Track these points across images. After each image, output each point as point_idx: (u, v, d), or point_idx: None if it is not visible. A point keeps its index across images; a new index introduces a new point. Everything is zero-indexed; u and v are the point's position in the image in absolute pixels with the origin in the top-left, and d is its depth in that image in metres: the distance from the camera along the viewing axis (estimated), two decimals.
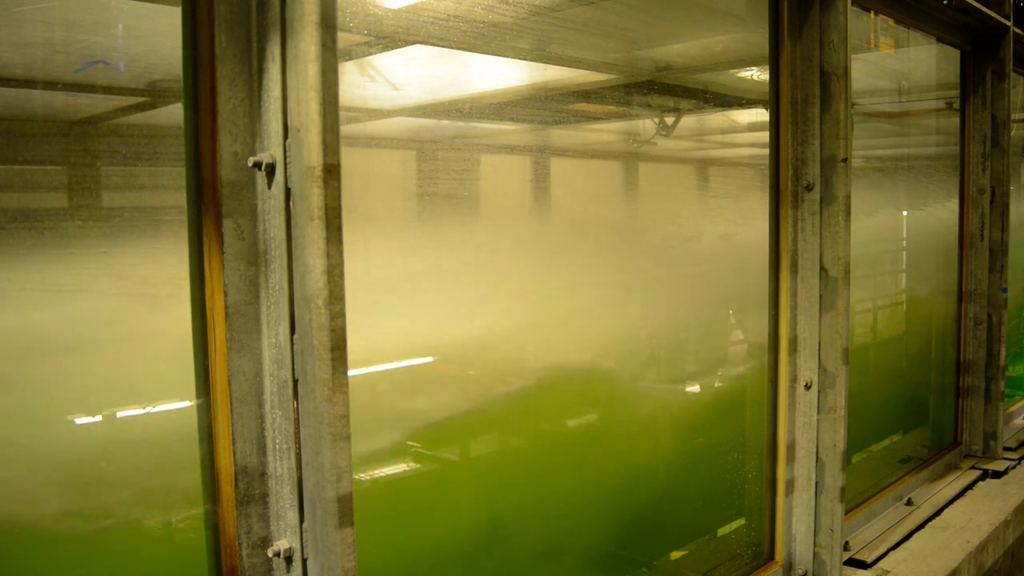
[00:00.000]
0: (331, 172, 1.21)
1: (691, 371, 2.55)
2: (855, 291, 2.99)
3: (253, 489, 1.37)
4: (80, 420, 1.31)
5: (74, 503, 1.31)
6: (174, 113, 1.33)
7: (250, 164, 1.31)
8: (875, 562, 2.75)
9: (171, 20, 1.30)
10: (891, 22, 3.16)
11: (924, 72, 3.60)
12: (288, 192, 1.28)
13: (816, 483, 2.51)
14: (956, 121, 3.78)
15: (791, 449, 2.55)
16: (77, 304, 1.29)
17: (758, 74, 2.55)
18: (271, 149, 1.30)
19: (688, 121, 2.45)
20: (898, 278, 3.67)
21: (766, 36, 2.47)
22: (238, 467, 1.35)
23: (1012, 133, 3.72)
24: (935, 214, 3.73)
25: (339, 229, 1.22)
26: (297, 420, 1.32)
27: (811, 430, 2.51)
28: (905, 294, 3.67)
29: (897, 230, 3.59)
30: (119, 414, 1.35)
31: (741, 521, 2.61)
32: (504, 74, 1.98)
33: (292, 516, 1.34)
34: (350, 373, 1.25)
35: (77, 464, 1.31)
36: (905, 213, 3.57)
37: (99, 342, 1.33)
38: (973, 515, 3.18)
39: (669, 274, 2.41)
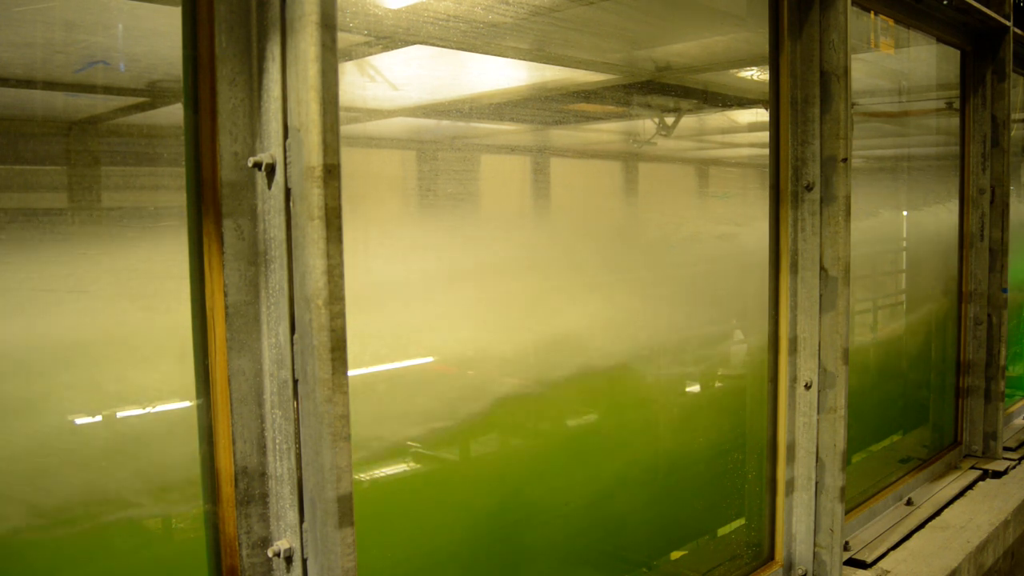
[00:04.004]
0: (331, 172, 1.21)
1: (691, 371, 2.54)
2: (855, 291, 2.99)
3: (253, 489, 1.37)
4: (80, 420, 1.31)
5: (73, 503, 1.31)
6: (174, 113, 1.33)
7: (250, 164, 1.31)
8: (875, 562, 2.75)
9: (171, 20, 1.30)
10: (891, 22, 3.16)
11: (924, 72, 3.60)
12: (288, 192, 1.28)
13: (816, 483, 2.51)
14: (956, 121, 3.78)
15: (791, 449, 2.55)
16: (77, 304, 1.29)
17: (758, 74, 2.55)
18: (271, 149, 1.30)
19: (688, 121, 2.45)
20: (898, 278, 3.67)
21: (766, 36, 2.47)
22: (238, 467, 1.35)
23: (1012, 133, 3.72)
24: (935, 214, 3.73)
25: (339, 229, 1.22)
26: (297, 420, 1.32)
27: (811, 430, 2.51)
28: (905, 294, 3.67)
29: (897, 230, 3.59)
30: (119, 414, 1.35)
31: (741, 521, 2.61)
32: (504, 74, 1.98)
33: (292, 516, 1.34)
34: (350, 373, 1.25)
35: (77, 464, 1.31)
36: (905, 213, 3.57)
37: (99, 342, 1.33)
38: (973, 515, 3.18)
39: (668, 274, 2.41)
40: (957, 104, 3.77)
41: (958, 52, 3.73)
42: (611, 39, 2.18)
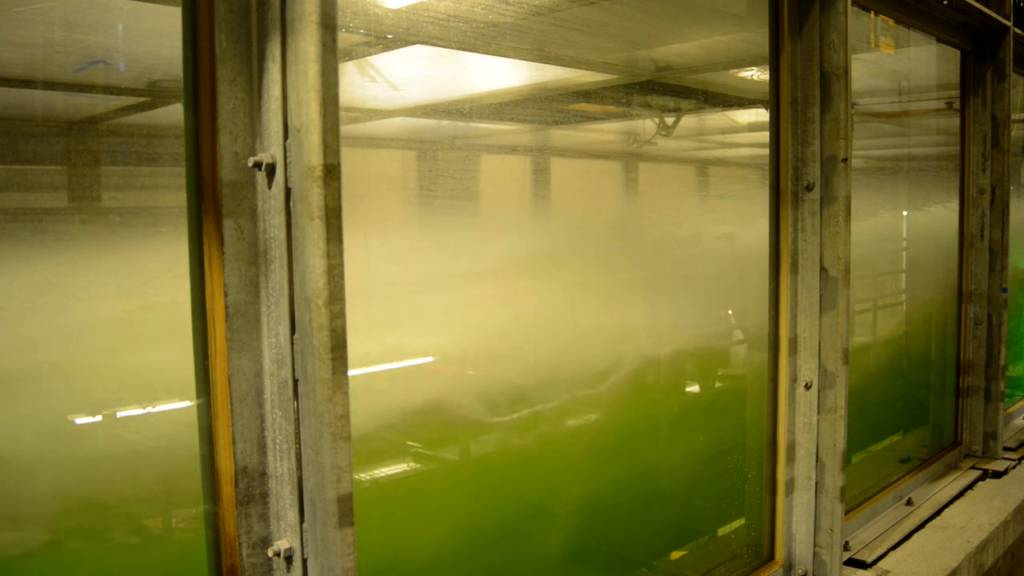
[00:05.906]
0: (331, 172, 1.21)
1: (690, 370, 2.54)
2: (855, 291, 2.99)
3: (253, 489, 1.37)
4: (80, 420, 1.31)
5: (74, 503, 1.31)
6: (174, 113, 1.33)
7: (250, 164, 1.31)
8: (875, 562, 2.75)
9: (171, 20, 1.30)
10: (891, 22, 3.16)
11: (924, 72, 3.60)
12: (288, 192, 1.28)
13: (816, 483, 2.51)
14: (956, 121, 3.78)
15: (791, 449, 2.55)
16: (77, 304, 1.29)
17: (758, 74, 2.55)
18: (271, 149, 1.30)
19: (688, 121, 2.45)
20: (898, 278, 3.67)
21: (766, 36, 2.47)
22: (238, 467, 1.35)
23: (1012, 133, 3.72)
24: (935, 214, 3.73)
25: (339, 229, 1.22)
26: (297, 420, 1.32)
27: (811, 430, 2.51)
28: (905, 294, 3.67)
29: (897, 230, 3.59)
30: (119, 414, 1.35)
31: (741, 521, 2.61)
32: (504, 74, 1.98)
33: (292, 516, 1.34)
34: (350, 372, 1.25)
35: (77, 464, 1.31)
36: (905, 213, 3.58)
37: (99, 342, 1.33)
38: (973, 515, 3.18)
39: (667, 273, 2.41)
40: (957, 104, 3.77)
41: (958, 52, 3.73)
42: (611, 39, 2.18)
